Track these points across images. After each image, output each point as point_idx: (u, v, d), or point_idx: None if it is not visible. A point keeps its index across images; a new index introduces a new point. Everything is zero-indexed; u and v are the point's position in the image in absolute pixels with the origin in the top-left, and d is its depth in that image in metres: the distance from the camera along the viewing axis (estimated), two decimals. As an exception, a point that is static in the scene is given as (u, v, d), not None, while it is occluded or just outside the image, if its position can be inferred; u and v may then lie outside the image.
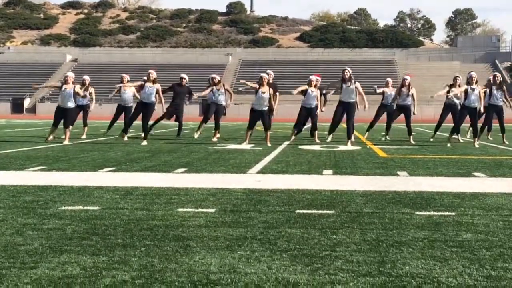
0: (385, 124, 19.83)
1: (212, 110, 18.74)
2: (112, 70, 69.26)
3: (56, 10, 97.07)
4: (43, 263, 4.21)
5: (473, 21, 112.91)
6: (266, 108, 16.51)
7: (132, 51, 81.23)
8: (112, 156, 12.72)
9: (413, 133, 18.83)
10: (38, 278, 3.85)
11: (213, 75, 19.08)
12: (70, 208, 6.38)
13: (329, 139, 17.62)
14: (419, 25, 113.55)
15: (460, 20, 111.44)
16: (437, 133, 19.79)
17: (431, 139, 19.12)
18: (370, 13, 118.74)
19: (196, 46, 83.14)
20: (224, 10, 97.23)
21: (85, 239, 4.96)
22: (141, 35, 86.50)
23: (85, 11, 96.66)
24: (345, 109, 16.87)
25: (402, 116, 18.60)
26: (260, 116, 16.62)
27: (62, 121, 16.53)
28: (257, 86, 16.46)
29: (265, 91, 16.32)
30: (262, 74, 16.75)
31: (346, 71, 17.00)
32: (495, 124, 18.84)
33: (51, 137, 16.65)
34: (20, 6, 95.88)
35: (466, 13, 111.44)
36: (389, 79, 20.13)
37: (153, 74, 16.64)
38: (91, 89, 19.50)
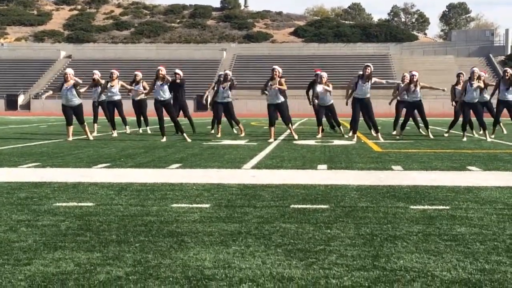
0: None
1: (220, 110, 18.60)
2: (106, 66, 68.78)
3: (50, 6, 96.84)
4: (37, 259, 4.20)
5: (467, 15, 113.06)
6: (280, 101, 16.41)
7: (126, 47, 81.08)
8: (107, 152, 12.70)
9: (407, 127, 18.85)
10: (32, 275, 3.85)
11: (227, 71, 19.05)
12: (64, 204, 6.36)
13: (354, 139, 16.39)
14: (413, 20, 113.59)
15: (454, 14, 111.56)
16: (431, 127, 19.71)
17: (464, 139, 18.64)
18: (364, 8, 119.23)
19: (190, 41, 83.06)
20: (218, 5, 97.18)
21: (79, 235, 4.95)
22: (135, 31, 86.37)
23: (79, 7, 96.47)
24: (362, 105, 16.38)
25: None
26: (277, 109, 16.52)
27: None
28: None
29: (274, 84, 16.23)
30: (274, 67, 16.63)
31: (368, 68, 16.31)
32: (505, 118, 18.76)
33: (70, 138, 16.41)
34: (13, 3, 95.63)
35: (460, 7, 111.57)
36: (407, 74, 19.66)
37: (163, 71, 16.26)
38: (102, 81, 19.43)
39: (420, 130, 19.44)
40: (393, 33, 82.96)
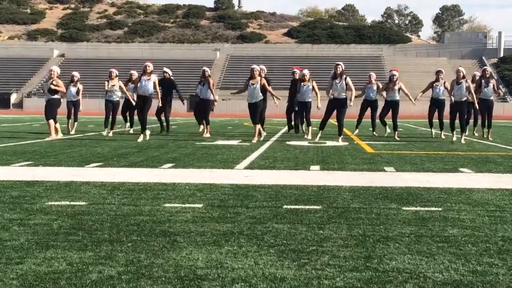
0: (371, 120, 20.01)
1: (199, 105, 18.72)
2: (99, 66, 69.04)
3: (43, 5, 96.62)
4: (29, 258, 4.19)
5: (460, 18, 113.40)
6: (258, 100, 16.28)
7: (119, 46, 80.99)
8: (99, 151, 12.68)
9: (399, 129, 18.91)
10: (24, 274, 3.83)
11: (204, 68, 19.03)
12: (56, 203, 6.35)
13: (317, 139, 16.49)
14: (407, 21, 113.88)
15: (447, 17, 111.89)
16: (424, 128, 19.82)
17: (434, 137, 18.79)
18: (358, 9, 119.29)
19: (184, 41, 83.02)
20: (212, 5, 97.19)
21: (72, 234, 4.94)
22: (129, 30, 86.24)
23: (72, 6, 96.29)
24: (336, 105, 16.21)
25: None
26: (254, 108, 16.39)
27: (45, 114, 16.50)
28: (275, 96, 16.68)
29: (255, 83, 16.18)
30: (253, 66, 16.56)
31: (339, 66, 16.19)
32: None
33: (60, 134, 16.65)
34: (6, 1, 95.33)
35: (453, 9, 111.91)
36: (372, 73, 20.14)
37: (150, 67, 16.07)
38: (80, 86, 19.43)
39: (374, 132, 19.71)
40: (386, 34, 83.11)
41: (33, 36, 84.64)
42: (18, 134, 18.76)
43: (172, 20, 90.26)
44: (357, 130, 19.95)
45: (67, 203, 6.38)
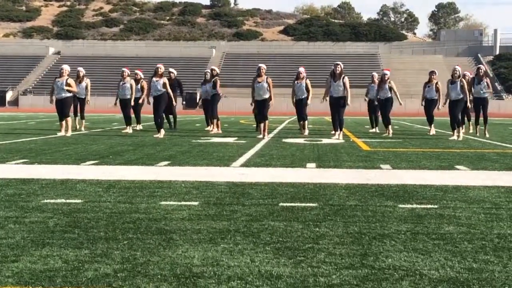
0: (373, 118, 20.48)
1: (206, 104, 19.26)
2: (95, 63, 68.90)
3: (39, 2, 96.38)
4: (25, 256, 4.19)
5: (456, 15, 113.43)
6: (264, 98, 16.56)
7: (115, 44, 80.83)
8: (95, 149, 12.66)
9: (391, 125, 19.11)
10: (20, 272, 3.83)
11: (212, 67, 19.62)
12: (52, 201, 6.34)
13: (336, 136, 16.56)
14: (403, 19, 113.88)
15: (443, 14, 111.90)
16: (419, 126, 19.92)
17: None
18: (354, 7, 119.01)
19: (180, 39, 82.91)
20: (208, 3, 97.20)
21: (67, 232, 4.93)
22: (125, 28, 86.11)
23: (68, 3, 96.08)
24: (336, 104, 16.44)
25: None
26: (259, 105, 16.78)
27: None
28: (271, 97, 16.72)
29: (261, 81, 16.48)
30: (260, 65, 16.86)
31: (339, 66, 16.41)
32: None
33: (65, 131, 17.01)
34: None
35: (449, 7, 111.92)
36: (375, 73, 20.45)
37: (161, 69, 16.92)
38: (87, 81, 19.54)
39: (377, 129, 20.31)
40: (382, 32, 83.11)
41: (29, 33, 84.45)
42: (13, 131, 18.72)
43: (168, 18, 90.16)
44: (374, 129, 20.24)
45: (63, 201, 6.37)
